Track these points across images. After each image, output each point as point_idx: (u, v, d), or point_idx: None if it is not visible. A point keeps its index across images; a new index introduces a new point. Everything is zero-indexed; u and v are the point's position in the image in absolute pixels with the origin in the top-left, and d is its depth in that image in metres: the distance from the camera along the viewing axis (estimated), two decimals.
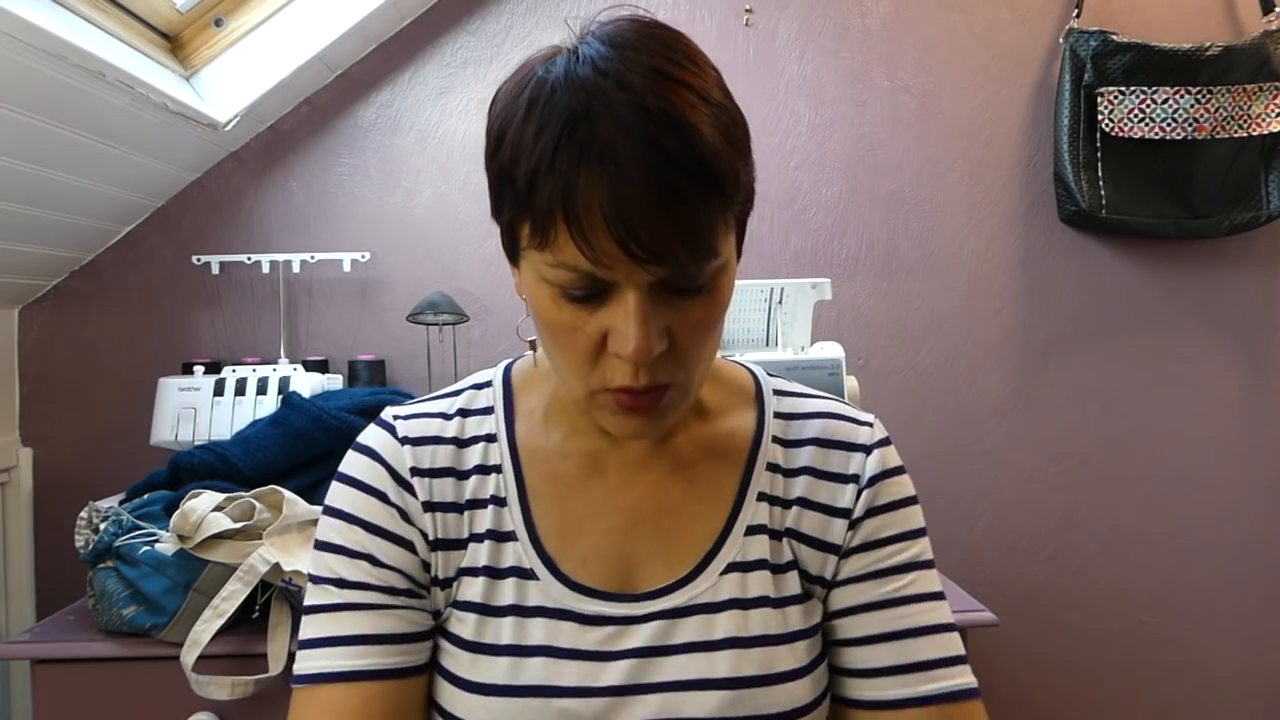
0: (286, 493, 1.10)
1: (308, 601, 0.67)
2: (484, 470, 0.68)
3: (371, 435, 0.69)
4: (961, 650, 0.68)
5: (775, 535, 0.68)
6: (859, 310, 1.71)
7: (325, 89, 1.65)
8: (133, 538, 1.08)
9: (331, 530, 0.67)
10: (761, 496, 0.68)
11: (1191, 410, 1.74)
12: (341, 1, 1.51)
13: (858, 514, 0.68)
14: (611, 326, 0.56)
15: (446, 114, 1.66)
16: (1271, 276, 1.74)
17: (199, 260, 1.59)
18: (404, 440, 0.68)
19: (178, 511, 1.05)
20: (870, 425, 0.72)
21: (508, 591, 0.65)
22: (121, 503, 1.16)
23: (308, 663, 0.65)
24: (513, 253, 0.61)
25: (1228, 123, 1.61)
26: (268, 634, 1.06)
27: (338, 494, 0.68)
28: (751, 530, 0.67)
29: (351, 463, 0.69)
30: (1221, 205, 1.65)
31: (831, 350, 1.32)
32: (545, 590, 0.65)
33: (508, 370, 0.74)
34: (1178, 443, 1.74)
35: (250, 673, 1.04)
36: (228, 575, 1.05)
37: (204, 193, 1.65)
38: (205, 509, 1.06)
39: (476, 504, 0.67)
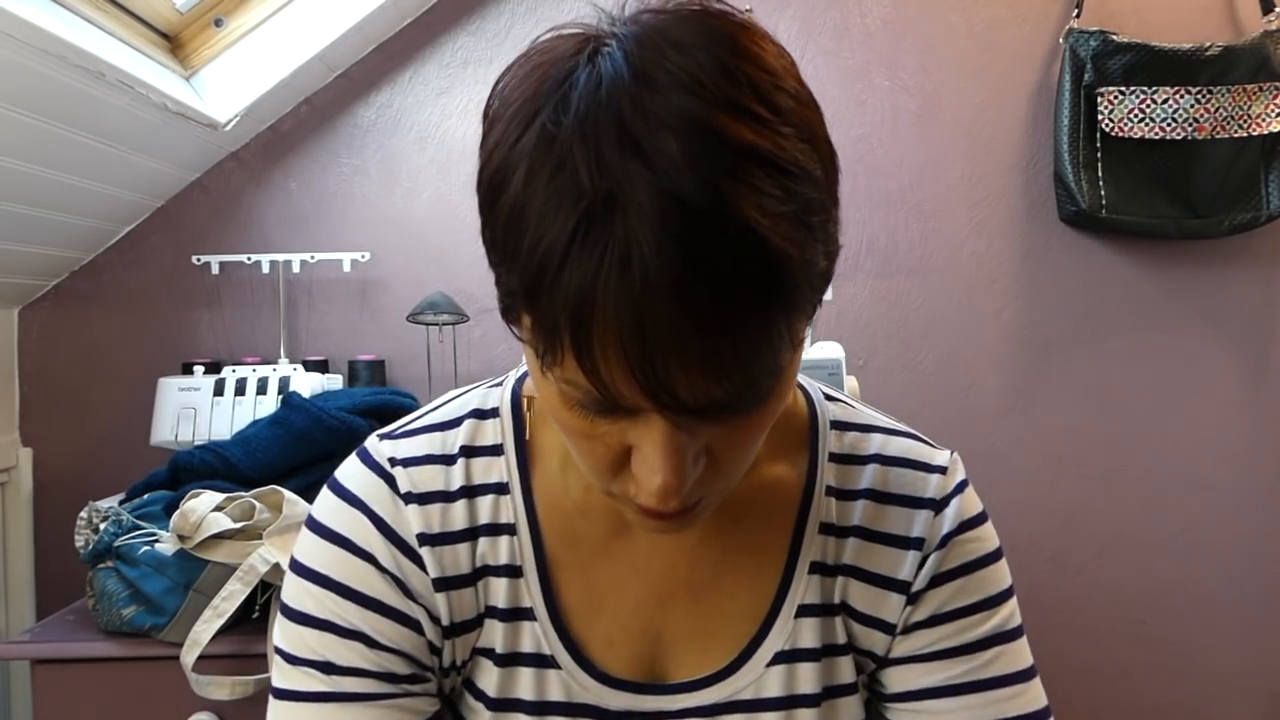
0: (286, 493, 1.10)
1: (279, 683, 0.55)
2: (495, 530, 0.56)
3: (365, 484, 0.55)
4: None
5: (829, 612, 0.57)
6: (859, 310, 1.71)
7: (325, 89, 1.65)
8: (133, 538, 1.08)
9: (309, 598, 0.54)
10: (814, 568, 0.57)
11: (1192, 410, 1.74)
12: (341, 1, 1.50)
13: (919, 585, 0.57)
14: (636, 445, 0.43)
15: (446, 114, 1.66)
16: (1271, 276, 1.73)
17: (199, 260, 1.59)
18: (409, 498, 0.55)
19: (178, 511, 1.05)
20: (944, 471, 0.59)
21: (524, 684, 0.56)
22: (121, 503, 1.16)
23: None
24: (510, 320, 0.45)
25: (1228, 123, 1.61)
26: (268, 634, 1.06)
27: (315, 551, 0.54)
28: (803, 611, 0.56)
29: (333, 513, 0.55)
30: (1221, 205, 1.65)
31: (831, 350, 1.32)
32: (567, 683, 0.55)
33: (516, 393, 0.59)
34: (1178, 443, 1.74)
35: (250, 673, 1.04)
36: (228, 575, 1.05)
37: (204, 193, 1.64)
38: (205, 509, 1.06)
39: (489, 571, 0.56)
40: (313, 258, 1.58)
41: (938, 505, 0.58)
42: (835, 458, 0.59)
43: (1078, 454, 1.73)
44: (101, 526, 1.09)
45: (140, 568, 1.06)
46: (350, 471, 0.57)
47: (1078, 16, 1.66)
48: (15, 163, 1.24)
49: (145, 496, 1.17)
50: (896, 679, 0.58)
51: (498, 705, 0.56)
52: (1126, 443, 1.74)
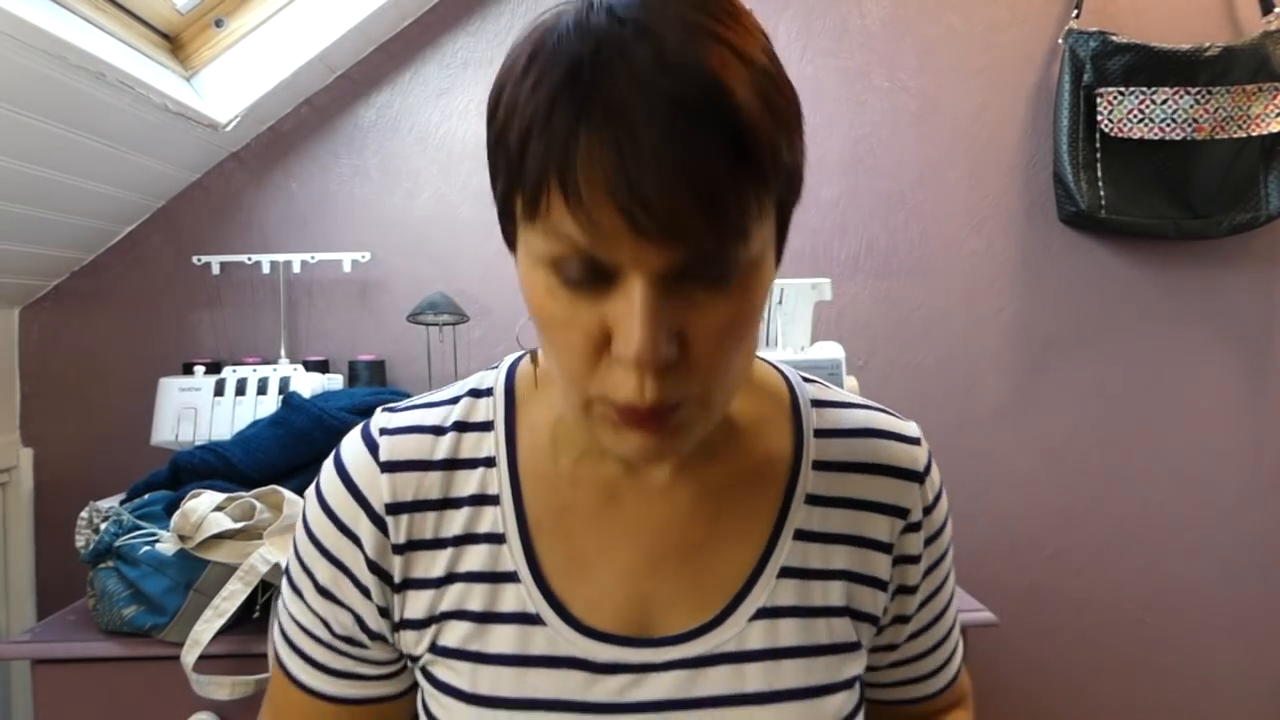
0: (286, 493, 1.10)
1: (283, 596, 0.64)
2: (480, 501, 0.60)
3: (354, 454, 0.61)
4: (958, 633, 0.71)
5: (815, 576, 0.60)
6: (859, 310, 1.71)
7: (325, 89, 1.65)
8: (133, 538, 1.08)
9: (305, 546, 0.62)
10: (799, 535, 0.61)
11: (1191, 410, 1.74)
12: (341, 2, 1.51)
13: (914, 551, 0.63)
14: (614, 322, 0.46)
15: (447, 115, 1.66)
16: (1271, 276, 1.74)
17: (199, 260, 1.59)
18: (385, 466, 0.59)
19: (178, 511, 1.05)
20: (917, 443, 0.65)
21: (506, 639, 0.58)
22: (122, 503, 1.16)
23: (285, 656, 0.64)
24: (509, 232, 0.51)
25: (1227, 123, 1.61)
26: (268, 634, 1.06)
27: (314, 515, 0.61)
28: (785, 573, 0.60)
29: (330, 485, 0.61)
30: (1221, 205, 1.65)
31: (831, 350, 1.32)
32: (552, 637, 0.58)
33: (511, 374, 0.64)
34: (1178, 443, 1.74)
35: (250, 673, 1.04)
36: (228, 575, 1.05)
37: (204, 193, 1.65)
38: (205, 509, 1.06)
39: (467, 539, 0.59)
40: (313, 258, 1.58)
41: (919, 476, 0.63)
42: (819, 433, 0.63)
43: (1078, 454, 1.73)
44: (102, 526, 1.09)
45: (141, 568, 1.06)
46: (348, 441, 0.62)
47: (1077, 17, 1.66)
48: (15, 163, 1.24)
49: (145, 496, 1.17)
50: (889, 635, 0.65)
51: (480, 659, 0.58)
52: (1126, 443, 1.74)
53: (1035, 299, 1.73)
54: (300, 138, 1.66)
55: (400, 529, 0.59)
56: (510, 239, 0.52)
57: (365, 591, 0.60)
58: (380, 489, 0.59)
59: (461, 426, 0.61)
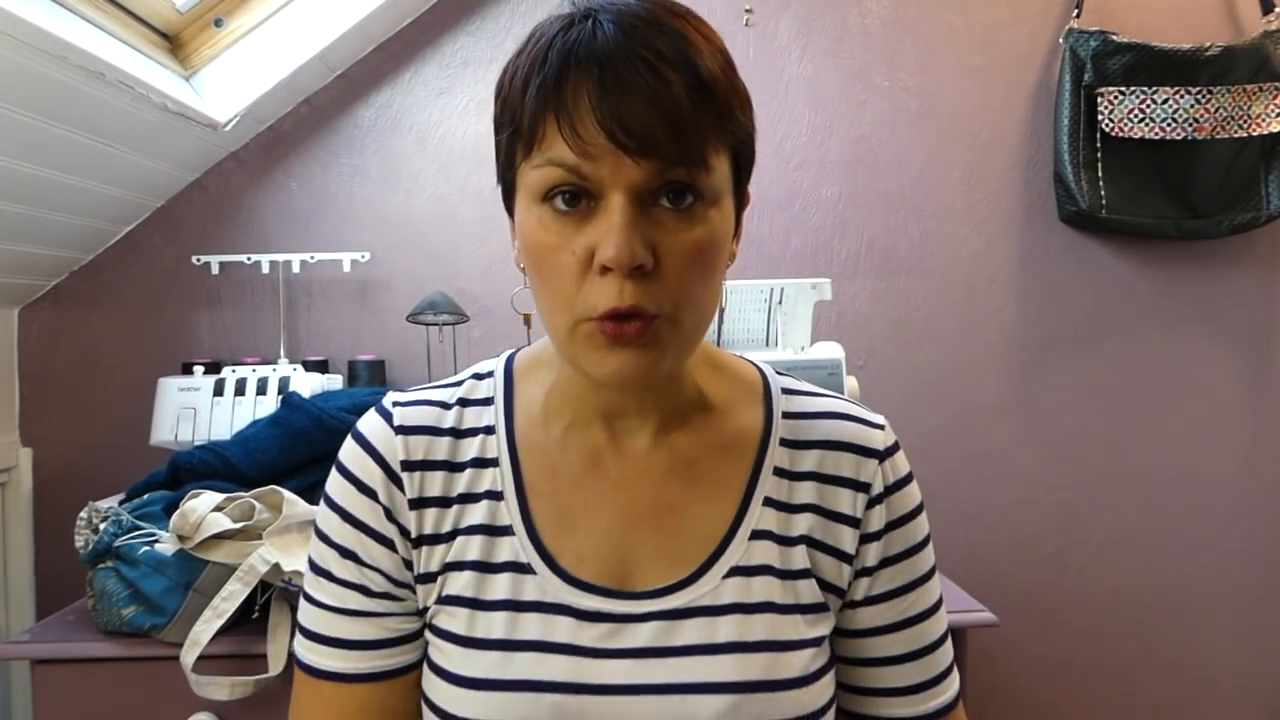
0: (286, 493, 1.10)
1: (306, 587, 0.68)
2: (481, 464, 0.67)
3: (369, 423, 0.68)
4: (952, 654, 0.72)
5: (782, 541, 0.66)
6: (859, 310, 1.71)
7: (325, 89, 1.65)
8: (133, 538, 1.08)
9: (325, 521, 0.67)
10: (768, 502, 0.66)
11: (1192, 410, 1.74)
12: (341, 1, 1.51)
13: (874, 527, 0.67)
14: (596, 240, 0.55)
15: (446, 114, 1.66)
16: (1271, 276, 1.74)
17: (199, 260, 1.59)
18: (399, 429, 0.67)
19: (178, 512, 1.05)
20: (883, 428, 0.70)
21: (502, 586, 0.64)
22: (121, 503, 1.16)
23: (307, 653, 0.67)
24: (509, 189, 0.61)
25: (1228, 123, 1.61)
26: (268, 634, 1.06)
27: (334, 483, 0.68)
28: (756, 535, 0.66)
29: (348, 452, 0.68)
30: (1221, 205, 1.65)
31: (831, 350, 1.32)
32: (542, 585, 0.64)
33: (509, 360, 0.72)
34: (1178, 443, 1.74)
35: (250, 673, 1.04)
36: (228, 575, 1.05)
37: (204, 193, 1.65)
38: (205, 509, 1.06)
39: (469, 498, 0.66)
40: (313, 258, 1.58)
41: (881, 455, 0.68)
42: (787, 415, 0.70)
43: (1078, 454, 1.73)
44: (101, 526, 1.09)
45: (140, 568, 1.06)
46: (365, 417, 0.69)
47: (1078, 16, 1.66)
48: (15, 163, 1.24)
49: (145, 496, 1.17)
50: (863, 618, 0.68)
51: (476, 605, 0.64)
52: (1126, 443, 1.74)
53: (1035, 299, 1.72)
54: (300, 137, 1.66)
55: (414, 484, 0.65)
56: (509, 199, 0.61)
57: (389, 544, 0.65)
58: (395, 448, 0.66)
59: (465, 402, 0.69)
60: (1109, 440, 1.73)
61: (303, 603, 0.68)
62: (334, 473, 0.68)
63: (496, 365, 0.72)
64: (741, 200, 0.63)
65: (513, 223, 0.62)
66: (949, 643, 0.71)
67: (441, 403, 0.69)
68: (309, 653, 0.67)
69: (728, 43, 0.60)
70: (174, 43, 1.51)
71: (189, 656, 1.01)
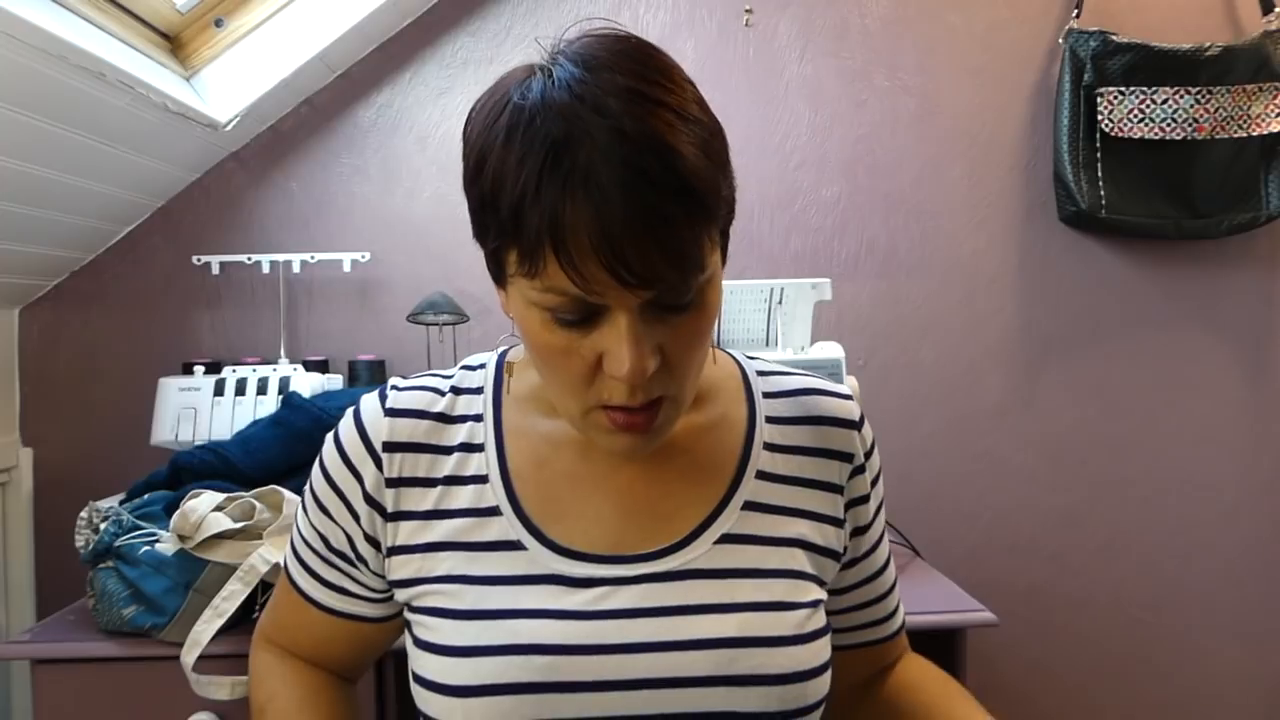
0: (286, 493, 1.10)
1: (299, 512, 0.74)
2: (468, 449, 0.69)
3: (368, 402, 0.72)
4: (899, 596, 0.81)
5: (773, 511, 0.69)
6: (859, 310, 1.71)
7: (325, 89, 1.65)
8: (133, 538, 1.08)
9: (315, 472, 0.72)
10: (761, 475, 0.70)
11: (1191, 410, 1.74)
12: (341, 1, 1.51)
13: (859, 492, 0.73)
14: (605, 348, 0.57)
15: (446, 114, 1.66)
16: (1271, 276, 1.74)
17: (199, 260, 1.59)
18: (390, 411, 0.70)
19: (178, 511, 1.05)
20: (850, 398, 0.75)
21: (491, 563, 0.65)
22: (121, 503, 1.16)
23: (290, 564, 0.75)
24: (498, 275, 0.62)
25: (1227, 123, 1.61)
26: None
27: (327, 448, 0.72)
28: (749, 506, 0.68)
29: (344, 425, 0.72)
30: (1221, 205, 1.65)
31: (831, 350, 1.32)
32: (533, 559, 0.65)
33: (502, 355, 0.75)
34: (1178, 443, 1.74)
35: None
36: (228, 575, 1.05)
37: (204, 193, 1.65)
38: (205, 509, 1.06)
39: (456, 480, 0.68)
40: (313, 258, 1.58)
41: (857, 425, 0.74)
42: (767, 395, 0.73)
43: (1078, 454, 1.73)
44: (101, 526, 1.09)
45: (140, 568, 1.06)
46: (368, 396, 0.73)
47: (1077, 17, 1.66)
48: (15, 163, 1.24)
49: (145, 496, 1.17)
50: (851, 575, 0.75)
51: (466, 580, 0.65)
52: (1126, 443, 1.74)
53: (1035, 298, 1.73)
54: (300, 137, 1.66)
55: (394, 465, 0.68)
56: (498, 279, 0.62)
57: (356, 517, 0.69)
58: (381, 430, 0.69)
59: (457, 390, 0.72)
60: (1109, 440, 1.73)
61: (296, 521, 0.75)
62: (328, 440, 0.72)
63: (489, 359, 0.75)
64: (726, 249, 0.64)
65: (500, 290, 0.63)
66: (897, 588, 0.81)
67: (435, 389, 0.72)
68: (290, 561, 0.75)
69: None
70: (174, 43, 1.51)
71: (189, 656, 1.01)
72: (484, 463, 0.68)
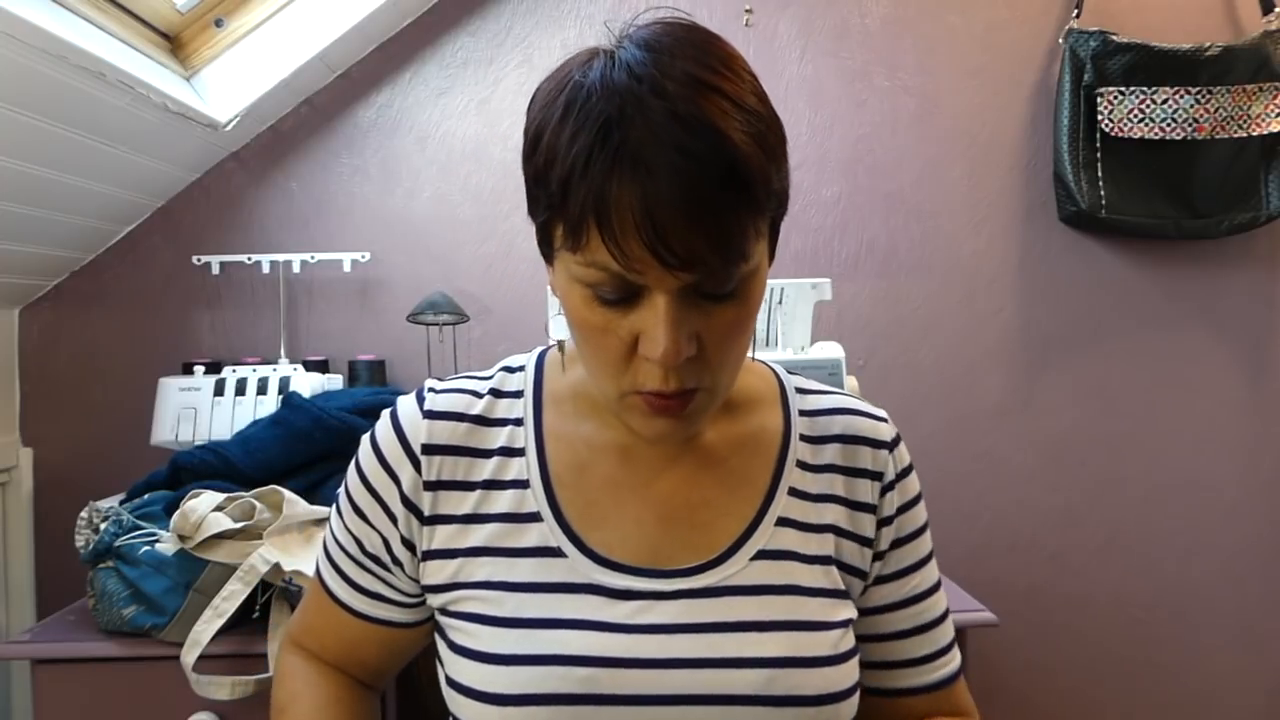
0: (286, 493, 1.10)
1: (333, 515, 0.74)
2: (508, 453, 0.69)
3: (406, 404, 0.71)
4: (953, 633, 0.76)
5: (806, 529, 0.68)
6: (859, 310, 1.71)
7: (325, 89, 1.65)
8: (133, 538, 1.08)
9: (352, 475, 0.72)
10: (793, 492, 0.69)
11: (1191, 410, 1.74)
12: (341, 1, 1.51)
13: (887, 513, 0.71)
14: (642, 329, 0.57)
15: (446, 114, 1.66)
16: (1271, 276, 1.74)
17: (199, 260, 1.59)
18: (428, 414, 0.70)
19: (178, 511, 1.05)
20: (886, 421, 0.74)
21: (530, 569, 0.65)
22: (121, 503, 1.16)
23: (323, 568, 0.75)
24: (547, 252, 0.62)
25: (1227, 123, 1.61)
26: (268, 634, 1.06)
27: (364, 451, 0.72)
28: (782, 522, 0.68)
29: (381, 427, 0.71)
30: (1221, 205, 1.65)
31: (831, 350, 1.32)
32: (572, 566, 0.65)
33: (541, 356, 0.74)
34: (1178, 443, 1.74)
35: (250, 673, 1.04)
36: (228, 575, 1.05)
37: (204, 193, 1.65)
38: (205, 509, 1.06)
39: (495, 485, 0.68)
40: (313, 258, 1.58)
41: (890, 446, 0.73)
42: (803, 412, 0.73)
43: (1078, 454, 1.73)
44: (102, 526, 1.09)
45: (140, 568, 1.06)
46: (405, 398, 0.72)
47: (1077, 17, 1.66)
48: (15, 163, 1.24)
49: (145, 496, 1.17)
50: (870, 597, 0.72)
51: (505, 587, 0.65)
52: (1126, 442, 1.74)
53: (1035, 299, 1.73)
54: (300, 137, 1.66)
55: (432, 468, 0.68)
56: (547, 255, 0.62)
57: (394, 519, 0.69)
58: (420, 432, 0.69)
59: (496, 393, 0.72)
60: (1109, 440, 1.73)
61: (330, 525, 0.74)
62: (364, 442, 0.72)
63: (528, 360, 0.74)
64: (775, 245, 0.63)
65: (549, 266, 0.63)
66: (950, 621, 0.75)
67: (474, 391, 0.72)
68: (323, 566, 0.75)
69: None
70: (174, 43, 1.51)
71: (189, 656, 1.01)
72: (524, 467, 0.68)
